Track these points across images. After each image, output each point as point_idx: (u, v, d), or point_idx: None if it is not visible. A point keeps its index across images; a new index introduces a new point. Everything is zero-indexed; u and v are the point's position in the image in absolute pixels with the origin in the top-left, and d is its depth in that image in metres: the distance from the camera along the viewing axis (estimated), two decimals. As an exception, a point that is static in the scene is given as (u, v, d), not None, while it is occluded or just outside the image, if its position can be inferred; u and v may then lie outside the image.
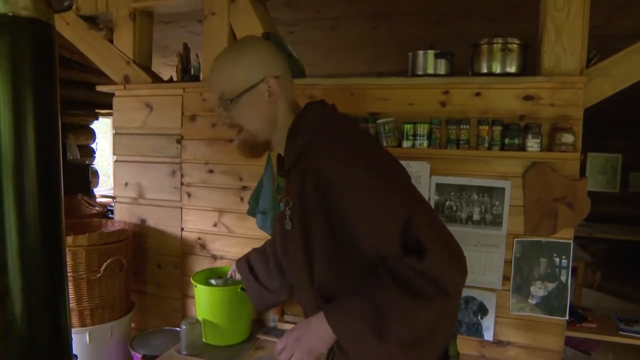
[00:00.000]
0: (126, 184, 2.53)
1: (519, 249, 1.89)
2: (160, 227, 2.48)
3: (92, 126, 4.73)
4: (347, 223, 1.03)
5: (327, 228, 1.06)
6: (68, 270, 1.99)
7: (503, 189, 1.89)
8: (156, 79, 2.53)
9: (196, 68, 2.41)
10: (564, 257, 1.84)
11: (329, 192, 1.03)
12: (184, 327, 1.93)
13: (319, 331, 1.02)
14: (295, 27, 3.26)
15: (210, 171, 2.34)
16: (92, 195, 4.23)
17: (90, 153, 4.75)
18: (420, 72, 1.99)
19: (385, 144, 1.94)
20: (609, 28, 2.99)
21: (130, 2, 2.43)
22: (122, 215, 2.55)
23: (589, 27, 1.81)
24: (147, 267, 2.52)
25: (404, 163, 1.20)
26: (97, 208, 3.26)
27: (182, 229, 2.43)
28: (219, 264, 2.34)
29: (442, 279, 0.94)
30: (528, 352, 1.90)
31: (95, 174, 4.67)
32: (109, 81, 2.56)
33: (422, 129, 1.92)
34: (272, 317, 2.18)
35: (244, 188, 2.27)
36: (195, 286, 2.01)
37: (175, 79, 2.49)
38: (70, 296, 2.06)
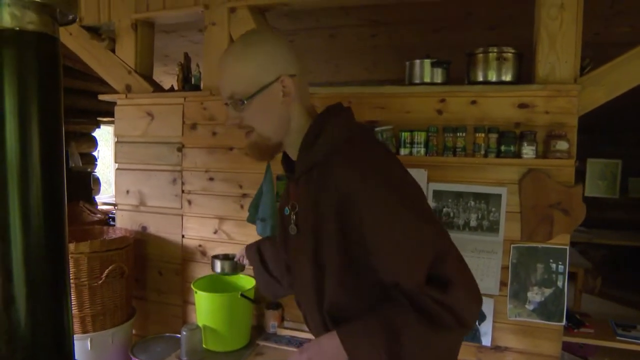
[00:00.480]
0: (127, 192, 2.56)
1: (515, 255, 1.90)
2: (161, 234, 2.50)
3: (94, 134, 4.77)
4: (366, 246, 0.98)
5: (342, 246, 1.01)
6: (70, 277, 2.01)
7: (499, 196, 1.91)
8: (157, 88, 2.57)
9: (197, 77, 2.45)
10: (560, 262, 1.86)
11: (349, 211, 0.97)
12: (184, 333, 1.94)
13: (332, 353, 0.97)
14: (294, 36, 3.29)
15: (211, 179, 2.36)
16: (93, 203, 4.26)
17: (92, 161, 4.77)
18: (417, 81, 2.02)
19: (383, 151, 1.96)
20: (607, 35, 3.02)
21: (132, 13, 2.47)
22: (124, 223, 2.57)
23: (587, 34, 1.83)
24: (148, 274, 2.54)
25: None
26: (98, 215, 3.28)
27: (182, 236, 2.45)
28: (219, 270, 2.36)
29: (461, 312, 0.93)
30: (526, 357, 1.91)
31: (97, 181, 4.70)
32: (111, 90, 2.60)
33: (419, 136, 1.95)
34: (271, 323, 2.20)
35: (244, 195, 2.29)
36: (196, 292, 2.03)
37: (176, 88, 2.53)
38: (72, 303, 2.07)
